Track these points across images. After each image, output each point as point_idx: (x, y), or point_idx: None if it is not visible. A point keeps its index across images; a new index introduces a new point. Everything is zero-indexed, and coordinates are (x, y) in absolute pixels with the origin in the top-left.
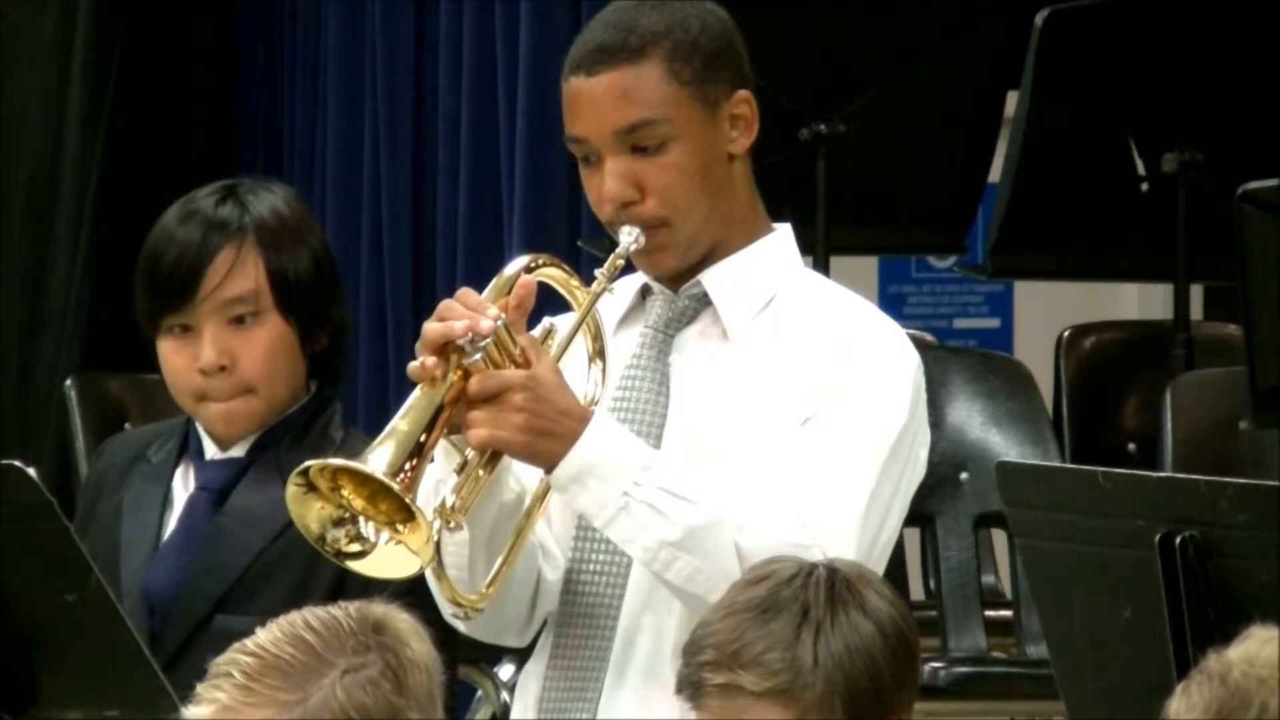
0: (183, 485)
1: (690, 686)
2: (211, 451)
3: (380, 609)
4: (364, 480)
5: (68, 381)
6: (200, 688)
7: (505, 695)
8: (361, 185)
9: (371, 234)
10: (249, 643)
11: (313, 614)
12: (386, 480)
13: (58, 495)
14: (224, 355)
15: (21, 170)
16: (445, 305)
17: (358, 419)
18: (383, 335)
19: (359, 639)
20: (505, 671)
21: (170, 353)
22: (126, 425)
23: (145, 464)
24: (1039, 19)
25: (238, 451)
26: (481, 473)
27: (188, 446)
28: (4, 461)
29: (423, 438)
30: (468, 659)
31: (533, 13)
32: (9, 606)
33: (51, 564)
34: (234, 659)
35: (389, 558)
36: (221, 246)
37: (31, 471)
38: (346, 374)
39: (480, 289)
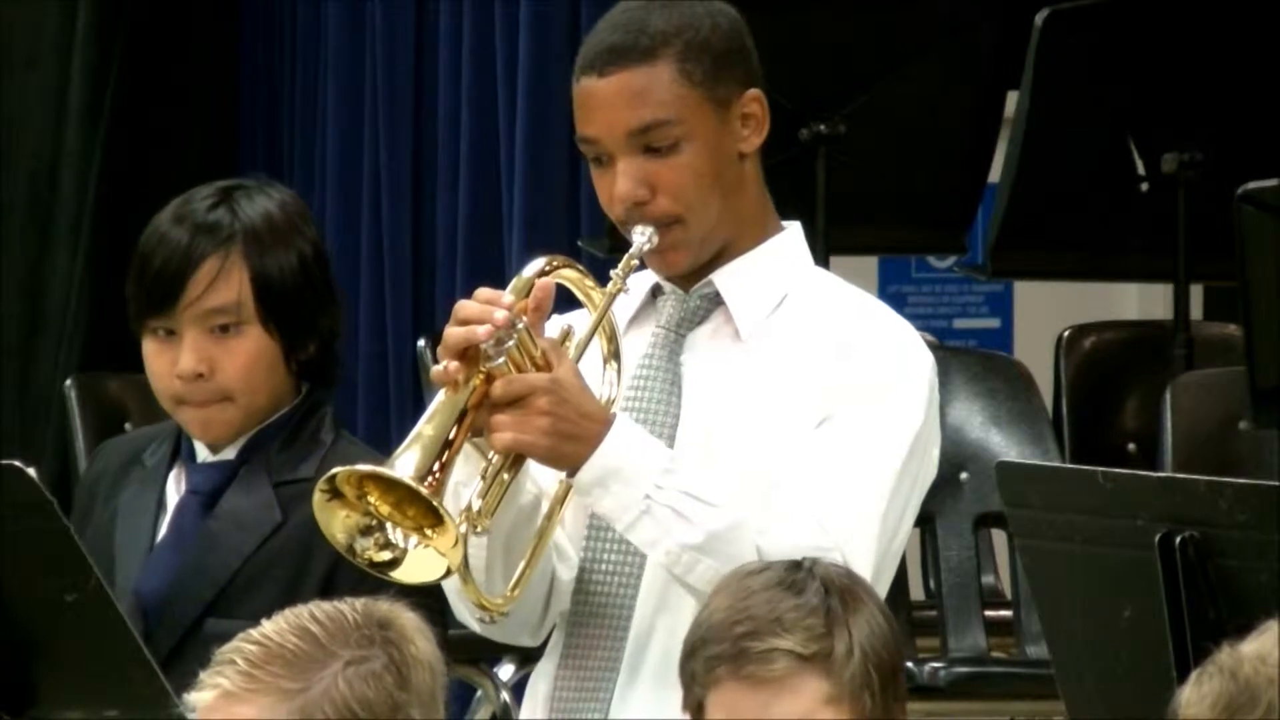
0: (175, 488)
1: (728, 661)
2: (203, 454)
3: (386, 606)
4: (390, 486)
5: (68, 381)
6: (204, 674)
7: (505, 695)
8: (361, 185)
9: (371, 234)
10: (254, 632)
11: (319, 607)
12: (415, 485)
13: (58, 495)
14: (203, 363)
15: (21, 170)
16: (461, 305)
17: (358, 418)
18: (383, 335)
19: (363, 633)
20: (505, 671)
21: (153, 354)
22: (127, 425)
23: (140, 468)
24: (1039, 19)
25: (228, 454)
26: (505, 476)
27: (180, 450)
28: (4, 461)
29: (447, 441)
30: (468, 659)
31: (533, 13)
32: (9, 606)
33: (51, 564)
34: (238, 646)
35: (419, 562)
36: (207, 254)
37: (31, 471)
38: (340, 378)
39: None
